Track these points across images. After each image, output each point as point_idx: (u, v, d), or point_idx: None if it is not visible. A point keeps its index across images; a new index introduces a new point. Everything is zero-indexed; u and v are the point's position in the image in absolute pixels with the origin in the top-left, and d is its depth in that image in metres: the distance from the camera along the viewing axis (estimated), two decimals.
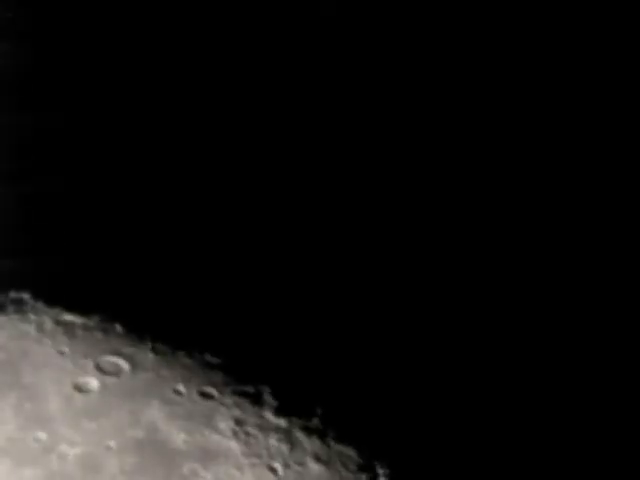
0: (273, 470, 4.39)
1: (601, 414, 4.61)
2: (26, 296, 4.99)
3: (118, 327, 4.89)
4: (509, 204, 5.55)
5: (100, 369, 4.72)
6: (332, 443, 4.49)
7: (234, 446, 4.46)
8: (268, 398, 4.64)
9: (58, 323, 4.89)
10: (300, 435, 4.51)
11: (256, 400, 4.63)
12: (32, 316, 4.92)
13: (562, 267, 5.24)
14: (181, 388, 4.66)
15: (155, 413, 4.56)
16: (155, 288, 5.07)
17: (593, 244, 5.34)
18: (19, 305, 4.95)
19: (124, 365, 4.74)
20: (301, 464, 4.41)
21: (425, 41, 6.28)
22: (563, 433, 4.55)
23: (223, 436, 4.49)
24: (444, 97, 6.04)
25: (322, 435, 4.52)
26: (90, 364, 4.73)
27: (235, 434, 4.49)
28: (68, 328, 4.88)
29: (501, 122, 5.93)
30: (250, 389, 4.67)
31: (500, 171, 5.70)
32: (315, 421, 4.57)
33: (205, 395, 4.65)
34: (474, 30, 6.35)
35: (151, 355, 4.78)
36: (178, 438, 4.47)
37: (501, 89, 6.08)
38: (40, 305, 4.96)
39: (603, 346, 4.89)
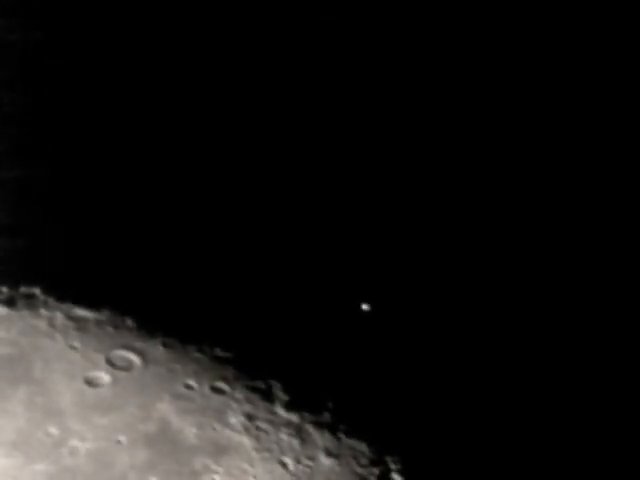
0: (284, 465, 4.29)
1: (601, 414, 4.53)
2: (37, 291, 4.88)
3: (129, 322, 4.78)
4: (509, 204, 5.49)
5: (111, 364, 4.60)
6: (343, 437, 4.39)
7: (245, 441, 4.35)
8: (279, 393, 4.54)
9: (69, 318, 4.78)
10: (311, 430, 4.41)
11: (267, 395, 4.53)
12: (43, 311, 4.81)
13: (562, 267, 5.17)
14: (192, 383, 4.55)
15: (166, 408, 4.44)
16: (166, 283, 4.96)
17: (593, 244, 5.27)
18: (30, 300, 4.85)
19: (135, 360, 4.62)
20: (312, 459, 4.31)
21: (424, 42, 6.24)
22: (563, 430, 4.47)
23: (234, 431, 4.38)
24: (444, 97, 5.98)
25: (333, 430, 4.42)
26: (101, 359, 4.62)
27: (246, 429, 4.39)
28: (79, 323, 4.77)
29: (501, 122, 5.87)
30: (261, 384, 4.57)
31: (500, 171, 5.63)
32: (326, 416, 4.47)
33: (216, 390, 4.54)
34: (474, 31, 6.30)
35: (162, 350, 4.67)
36: (189, 433, 4.35)
37: (501, 89, 6.02)
38: (51, 300, 4.85)
39: (603, 346, 4.81)
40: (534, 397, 4.59)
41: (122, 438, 4.30)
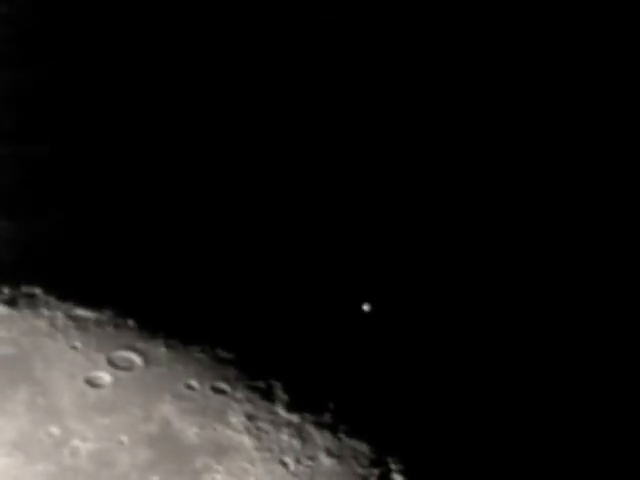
0: (285, 464, 4.27)
1: (601, 414, 4.51)
2: (38, 291, 4.85)
3: (131, 322, 4.75)
4: (509, 204, 5.47)
5: (113, 364, 4.57)
6: (344, 438, 4.37)
7: (246, 441, 4.33)
8: (280, 393, 4.52)
9: (70, 318, 4.76)
10: (312, 430, 4.39)
11: (268, 395, 4.51)
12: (44, 311, 4.78)
13: (562, 267, 5.16)
14: (193, 383, 4.53)
15: (168, 408, 4.42)
16: (168, 284, 4.93)
17: (593, 244, 5.26)
18: (31, 300, 4.81)
19: (137, 360, 4.60)
20: (313, 459, 4.29)
21: (424, 43, 6.23)
22: (563, 430, 4.46)
23: (235, 431, 4.36)
24: (444, 97, 5.97)
25: (334, 430, 4.40)
26: (102, 359, 4.59)
27: (247, 429, 4.37)
28: (80, 323, 4.74)
29: (501, 122, 5.86)
30: (262, 384, 4.55)
31: (500, 171, 5.62)
32: (327, 416, 4.45)
33: (217, 390, 4.52)
34: (474, 31, 6.29)
35: (164, 350, 4.64)
36: (191, 433, 4.33)
37: (501, 90, 6.01)
38: (52, 300, 4.82)
39: (603, 346, 4.79)
40: (534, 397, 4.57)
41: (123, 438, 4.28)
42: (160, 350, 4.63)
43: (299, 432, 4.38)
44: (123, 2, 6.36)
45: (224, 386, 4.53)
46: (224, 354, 4.65)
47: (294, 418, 4.43)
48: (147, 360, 4.59)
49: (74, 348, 4.63)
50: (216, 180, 5.50)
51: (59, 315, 4.76)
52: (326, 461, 4.29)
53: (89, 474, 4.15)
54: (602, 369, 4.70)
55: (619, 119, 5.85)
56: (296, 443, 4.34)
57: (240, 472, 4.22)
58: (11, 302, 4.80)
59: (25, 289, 4.86)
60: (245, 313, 4.82)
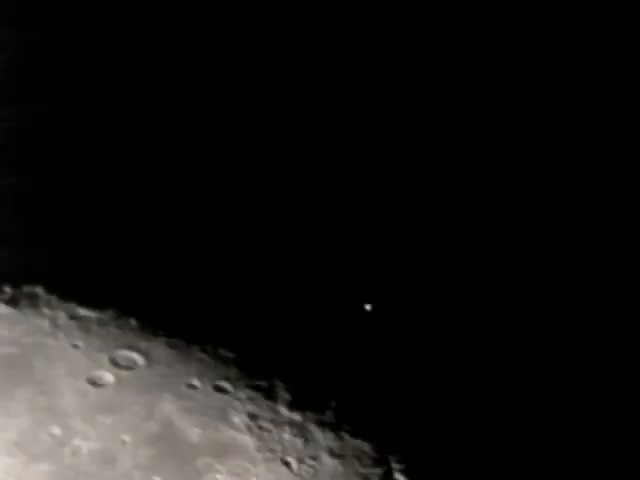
0: (287, 464, 4.26)
1: (601, 414, 4.51)
2: (40, 290, 4.85)
3: (133, 321, 4.74)
4: (509, 204, 5.47)
5: (115, 363, 4.57)
6: (346, 437, 4.36)
7: (248, 440, 4.32)
8: (282, 392, 4.51)
9: (72, 317, 4.75)
10: (314, 429, 4.38)
11: (270, 394, 4.50)
12: (46, 310, 4.77)
13: (562, 267, 5.15)
14: (195, 382, 4.52)
15: (170, 407, 4.41)
16: (169, 283, 4.93)
17: (593, 244, 5.25)
18: (33, 299, 4.81)
19: (139, 359, 4.59)
20: (315, 458, 4.28)
21: (424, 43, 6.22)
22: (563, 430, 4.45)
23: (237, 430, 4.36)
24: (444, 98, 5.96)
25: (336, 429, 4.39)
26: (105, 358, 4.58)
27: (249, 428, 4.36)
28: (82, 322, 4.73)
29: (501, 122, 5.85)
30: (264, 383, 4.54)
31: (500, 171, 5.62)
32: (329, 415, 4.44)
33: (219, 389, 4.51)
34: (474, 32, 6.29)
35: (166, 349, 4.63)
36: (193, 432, 4.32)
37: (501, 90, 6.00)
38: (54, 299, 4.82)
39: (603, 346, 4.79)
40: (534, 397, 4.56)
41: (125, 438, 4.27)
42: (162, 349, 4.63)
43: (301, 431, 4.38)
44: (122, 7, 6.36)
45: (226, 385, 4.53)
46: (226, 353, 4.64)
47: (296, 417, 4.43)
48: (149, 360, 4.59)
49: (76, 347, 4.62)
50: (216, 181, 5.50)
51: (61, 315, 4.76)
52: (328, 461, 4.28)
53: (91, 474, 4.15)
54: (602, 369, 4.69)
55: (619, 119, 5.84)
56: (298, 442, 4.33)
57: (242, 472, 4.21)
58: (13, 302, 4.80)
59: (27, 289, 4.86)
60: (247, 313, 4.82)
